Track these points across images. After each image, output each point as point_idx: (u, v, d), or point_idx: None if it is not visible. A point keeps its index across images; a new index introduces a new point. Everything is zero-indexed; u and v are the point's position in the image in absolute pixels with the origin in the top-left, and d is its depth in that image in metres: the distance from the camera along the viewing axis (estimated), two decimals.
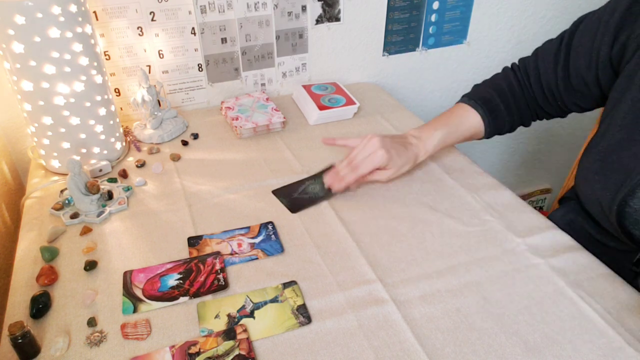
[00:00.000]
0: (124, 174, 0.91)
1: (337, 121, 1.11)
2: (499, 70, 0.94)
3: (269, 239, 0.76)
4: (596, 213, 0.75)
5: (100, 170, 0.91)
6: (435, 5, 1.30)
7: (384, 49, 1.31)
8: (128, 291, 0.67)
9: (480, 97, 0.89)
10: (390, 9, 1.25)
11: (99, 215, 0.80)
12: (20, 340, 0.56)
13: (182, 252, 0.74)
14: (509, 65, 0.93)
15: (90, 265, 0.70)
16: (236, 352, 0.58)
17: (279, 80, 1.24)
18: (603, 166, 0.71)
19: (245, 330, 0.61)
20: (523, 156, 1.81)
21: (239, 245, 0.75)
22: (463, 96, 0.93)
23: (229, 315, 0.63)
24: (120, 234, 0.78)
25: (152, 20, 1.04)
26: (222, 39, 1.12)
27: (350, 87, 1.23)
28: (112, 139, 0.94)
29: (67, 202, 0.83)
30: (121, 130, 0.98)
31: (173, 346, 0.59)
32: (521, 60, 0.90)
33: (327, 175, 0.85)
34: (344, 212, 0.82)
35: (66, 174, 0.87)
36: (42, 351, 0.59)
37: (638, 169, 0.65)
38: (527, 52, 0.86)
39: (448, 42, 1.38)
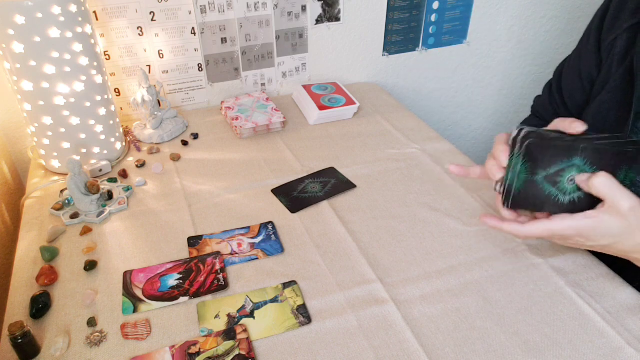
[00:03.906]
0: (124, 174, 0.91)
1: (337, 121, 1.11)
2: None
3: (269, 239, 0.76)
4: None
5: (100, 170, 0.91)
6: (435, 5, 1.30)
7: (384, 49, 1.31)
8: (128, 291, 0.67)
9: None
10: (390, 9, 1.25)
11: (99, 215, 0.80)
12: (20, 340, 0.56)
13: (182, 252, 0.74)
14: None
15: (90, 265, 0.70)
16: (236, 352, 0.58)
17: (279, 80, 1.24)
18: None
19: (245, 330, 0.61)
20: None
21: (239, 245, 0.75)
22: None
23: (229, 315, 0.63)
24: (120, 234, 0.78)
25: (152, 20, 1.04)
26: (222, 39, 1.12)
27: (350, 87, 1.23)
28: (112, 139, 0.94)
29: (67, 202, 0.83)
30: (121, 130, 0.98)
31: (173, 346, 0.59)
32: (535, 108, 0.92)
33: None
34: (344, 212, 0.82)
35: (66, 174, 0.87)
36: (42, 351, 0.59)
37: None
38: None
39: (448, 42, 1.38)
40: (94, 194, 0.81)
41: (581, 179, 0.57)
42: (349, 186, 0.89)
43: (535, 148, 0.57)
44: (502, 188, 0.61)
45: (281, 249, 0.74)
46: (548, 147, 0.57)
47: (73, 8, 0.80)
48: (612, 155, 0.56)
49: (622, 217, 0.55)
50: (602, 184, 0.54)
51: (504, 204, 0.61)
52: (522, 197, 0.59)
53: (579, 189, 0.58)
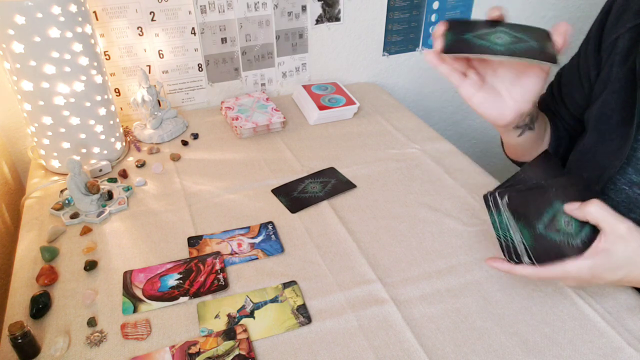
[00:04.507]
0: (124, 174, 0.91)
1: (337, 121, 1.11)
2: None
3: (269, 239, 0.76)
4: None
5: (100, 170, 0.91)
6: (435, 5, 1.30)
7: (384, 49, 1.31)
8: (128, 291, 0.67)
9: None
10: (390, 9, 1.25)
11: (99, 215, 0.80)
12: (20, 340, 0.56)
13: (182, 252, 0.74)
14: None
15: (90, 265, 0.70)
16: (236, 352, 0.58)
17: (279, 80, 1.24)
18: (580, 165, 0.74)
19: (245, 330, 0.61)
20: None
21: (239, 245, 0.75)
22: None
23: (229, 315, 0.63)
24: (120, 234, 0.78)
25: (152, 20, 1.04)
26: (222, 39, 1.12)
27: (350, 87, 1.23)
28: (112, 139, 0.94)
29: (67, 202, 0.83)
30: (121, 130, 0.98)
31: (173, 346, 0.59)
32: None
33: None
34: (344, 212, 0.82)
35: (66, 174, 0.87)
36: (42, 351, 0.59)
37: (610, 166, 0.67)
38: None
39: None
40: (94, 194, 0.81)
41: (571, 208, 0.57)
42: (349, 186, 0.89)
43: (515, 203, 0.58)
44: (504, 251, 0.61)
45: (281, 249, 0.74)
46: (526, 200, 0.58)
47: (73, 8, 0.80)
48: (574, 192, 0.59)
49: (623, 240, 0.55)
50: (597, 210, 0.55)
51: (525, 262, 0.59)
52: (541, 252, 0.58)
53: (581, 228, 0.58)
